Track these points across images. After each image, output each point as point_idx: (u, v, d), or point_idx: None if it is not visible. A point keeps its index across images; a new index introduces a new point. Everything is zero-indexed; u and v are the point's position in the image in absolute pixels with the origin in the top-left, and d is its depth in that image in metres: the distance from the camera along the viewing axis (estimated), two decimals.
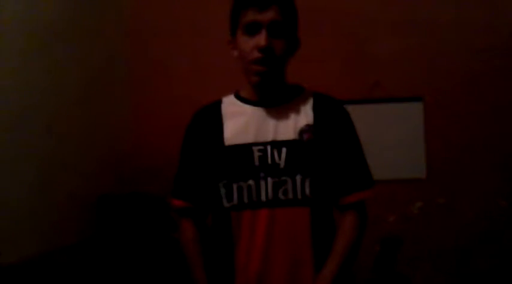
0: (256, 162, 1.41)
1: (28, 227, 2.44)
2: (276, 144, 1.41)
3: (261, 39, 1.34)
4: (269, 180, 1.39)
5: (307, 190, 1.39)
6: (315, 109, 1.45)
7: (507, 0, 3.19)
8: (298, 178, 1.38)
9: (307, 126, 1.42)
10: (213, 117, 1.50)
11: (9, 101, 2.36)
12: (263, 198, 1.39)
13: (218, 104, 1.53)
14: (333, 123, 1.45)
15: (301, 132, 1.42)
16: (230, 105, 1.51)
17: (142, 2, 3.45)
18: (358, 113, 3.19)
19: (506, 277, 3.04)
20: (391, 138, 3.20)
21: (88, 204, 2.95)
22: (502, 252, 3.08)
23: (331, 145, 1.43)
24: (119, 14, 3.42)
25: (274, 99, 1.46)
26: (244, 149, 1.42)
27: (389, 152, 3.18)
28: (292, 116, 1.44)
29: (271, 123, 1.43)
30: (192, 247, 1.52)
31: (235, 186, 1.40)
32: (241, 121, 1.45)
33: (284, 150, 1.40)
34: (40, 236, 2.52)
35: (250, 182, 1.39)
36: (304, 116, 1.44)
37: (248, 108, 1.47)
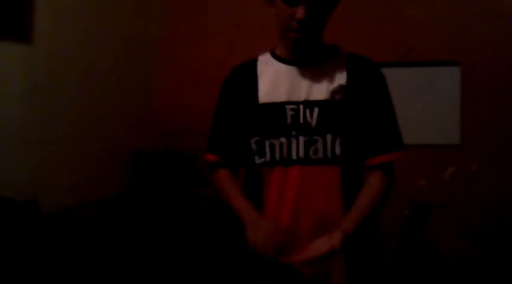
0: (289, 121, 1.43)
1: (64, 177, 2.53)
2: (309, 104, 1.43)
3: (299, 12, 1.33)
4: (300, 138, 1.42)
5: (338, 150, 1.41)
6: (349, 70, 1.46)
7: None
8: (328, 137, 1.41)
9: (340, 86, 1.44)
10: (249, 75, 1.52)
11: (48, 54, 2.43)
12: (294, 155, 1.42)
13: (254, 62, 1.55)
14: (366, 84, 1.46)
15: (333, 92, 1.43)
16: (265, 63, 1.52)
17: None
18: (393, 77, 3.16)
19: None
20: (426, 102, 3.15)
21: (123, 159, 3.03)
22: None
23: (363, 106, 1.44)
24: None
25: (309, 59, 1.47)
26: (278, 107, 1.44)
27: (424, 117, 3.14)
28: (326, 77, 1.45)
29: (305, 82, 1.44)
30: (230, 180, 1.55)
31: (267, 143, 1.44)
32: (275, 80, 1.47)
33: (316, 109, 1.42)
34: (76, 188, 2.62)
35: (282, 140, 1.42)
36: (338, 77, 1.45)
37: (283, 66, 1.48)
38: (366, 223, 1.41)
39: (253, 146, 1.46)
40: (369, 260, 1.48)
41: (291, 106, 1.43)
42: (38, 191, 2.28)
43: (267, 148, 1.44)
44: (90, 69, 2.73)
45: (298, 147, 1.42)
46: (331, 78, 1.44)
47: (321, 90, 1.44)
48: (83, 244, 2.22)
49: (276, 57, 1.51)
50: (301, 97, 1.44)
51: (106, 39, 2.86)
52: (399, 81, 3.10)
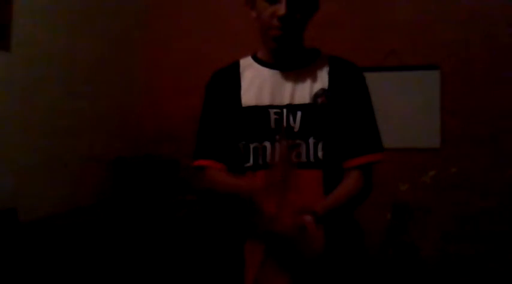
0: (273, 125, 1.43)
1: (45, 186, 2.49)
2: (292, 108, 1.43)
3: (281, 8, 1.35)
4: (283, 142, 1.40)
5: (320, 153, 1.41)
6: (331, 74, 1.46)
7: None
8: (311, 141, 1.41)
9: (322, 90, 1.44)
10: (231, 78, 1.51)
11: (27, 61, 2.40)
12: (277, 159, 1.40)
13: (236, 65, 1.54)
14: (347, 87, 1.46)
15: (316, 96, 1.44)
16: (247, 67, 1.52)
17: None
18: (374, 81, 3.16)
19: None
20: (407, 106, 3.18)
21: (104, 166, 2.99)
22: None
23: (344, 109, 1.44)
24: None
25: (291, 63, 1.47)
26: (261, 111, 1.44)
27: (405, 121, 3.17)
28: (308, 80, 1.45)
29: (287, 86, 1.45)
30: (224, 173, 1.48)
31: (251, 147, 1.43)
32: (258, 83, 1.47)
33: (299, 113, 1.42)
34: (57, 196, 2.58)
35: (266, 144, 1.42)
36: (320, 80, 1.46)
37: (265, 70, 1.49)
38: (339, 214, 1.40)
39: (241, 150, 1.45)
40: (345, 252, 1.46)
41: (275, 110, 1.43)
42: (18, 200, 2.24)
43: (251, 153, 1.44)
44: (69, 75, 2.70)
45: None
46: (313, 82, 1.45)
47: (303, 94, 1.44)
48: (61, 253, 2.18)
49: (258, 60, 1.51)
50: (284, 101, 1.44)
51: (85, 44, 2.84)
52: (380, 85, 3.12)
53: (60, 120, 2.63)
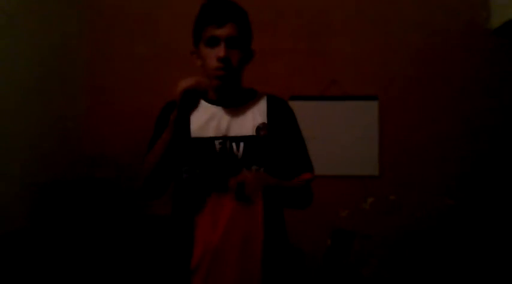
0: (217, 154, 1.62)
1: None
2: (235, 139, 1.64)
3: (220, 51, 1.59)
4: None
5: None
6: (269, 110, 1.70)
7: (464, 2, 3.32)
8: (253, 168, 1.62)
9: (263, 124, 1.67)
10: None
11: None
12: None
13: None
14: (282, 121, 1.71)
15: (258, 129, 1.66)
16: None
17: None
18: (314, 110, 3.28)
19: (451, 273, 3.16)
20: (347, 135, 3.26)
21: (40, 189, 2.89)
22: (447, 249, 3.20)
23: (281, 140, 1.68)
24: None
25: (233, 100, 1.69)
26: (208, 141, 1.64)
27: (345, 149, 3.25)
28: (249, 115, 1.68)
29: (231, 121, 1.66)
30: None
31: (197, 171, 1.61)
32: (205, 118, 1.67)
33: (242, 143, 1.64)
34: None
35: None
36: (260, 115, 1.69)
37: (212, 107, 1.69)
38: (281, 193, 1.61)
39: (184, 174, 1.63)
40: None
41: (219, 141, 1.64)
42: None
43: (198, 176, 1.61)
44: (5, 98, 2.60)
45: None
46: (254, 116, 1.68)
47: (246, 127, 1.66)
48: None
49: (206, 98, 1.67)
50: (228, 133, 1.64)
51: (23, 67, 2.75)
52: (322, 114, 3.21)
53: None
